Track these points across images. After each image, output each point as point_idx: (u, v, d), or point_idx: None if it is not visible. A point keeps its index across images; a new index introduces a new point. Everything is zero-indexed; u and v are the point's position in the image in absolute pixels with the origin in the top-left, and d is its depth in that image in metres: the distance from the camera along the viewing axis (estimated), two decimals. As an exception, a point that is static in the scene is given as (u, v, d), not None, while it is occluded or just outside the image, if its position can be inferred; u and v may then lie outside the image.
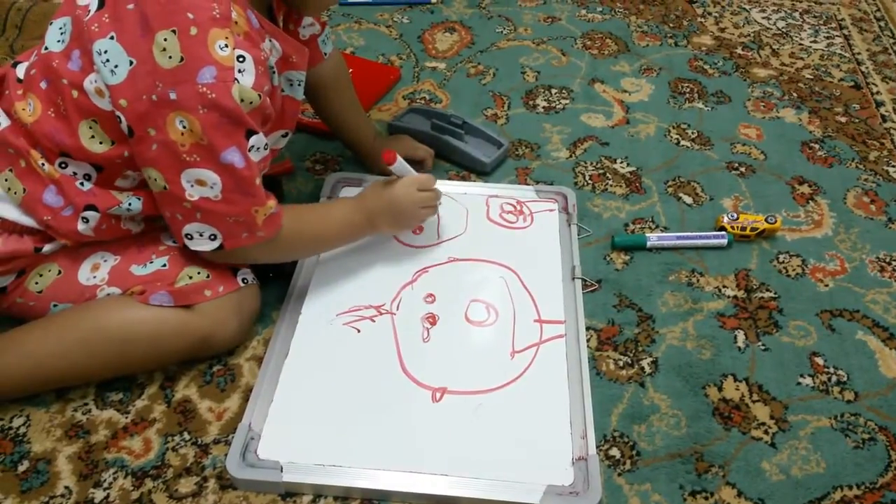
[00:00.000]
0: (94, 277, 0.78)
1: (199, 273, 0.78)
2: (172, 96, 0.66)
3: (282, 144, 0.85)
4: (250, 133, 0.70)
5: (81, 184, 0.74)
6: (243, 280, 0.81)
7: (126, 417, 0.78)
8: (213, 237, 0.75)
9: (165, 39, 0.66)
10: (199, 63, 0.66)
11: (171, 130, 0.68)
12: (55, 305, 0.78)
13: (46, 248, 0.75)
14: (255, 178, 0.72)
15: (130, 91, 0.68)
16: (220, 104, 0.67)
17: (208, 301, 0.77)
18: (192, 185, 0.71)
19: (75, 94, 0.70)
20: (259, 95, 0.69)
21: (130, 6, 0.67)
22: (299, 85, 0.84)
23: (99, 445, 0.75)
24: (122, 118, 0.69)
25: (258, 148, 0.72)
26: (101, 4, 0.69)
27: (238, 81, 0.67)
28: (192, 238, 0.75)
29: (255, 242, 0.76)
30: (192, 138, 0.68)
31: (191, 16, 0.66)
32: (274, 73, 0.76)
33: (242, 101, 0.68)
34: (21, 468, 0.73)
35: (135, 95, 0.68)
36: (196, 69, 0.66)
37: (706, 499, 0.73)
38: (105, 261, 0.78)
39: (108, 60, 0.68)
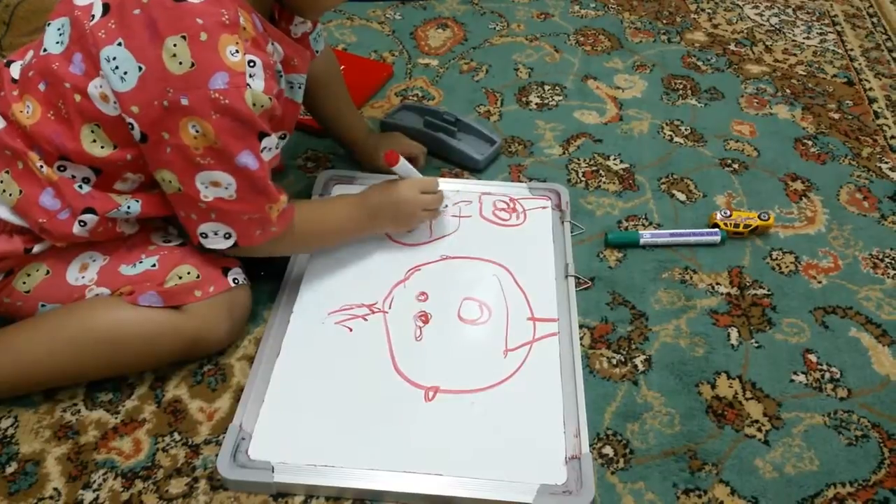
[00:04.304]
0: (83, 277, 0.77)
1: (188, 273, 0.77)
2: (184, 102, 0.66)
3: (280, 146, 0.84)
4: (262, 135, 0.71)
5: (80, 186, 0.73)
6: (234, 280, 0.80)
7: (116, 418, 0.77)
8: (227, 235, 0.76)
9: (175, 45, 0.65)
10: (211, 69, 0.66)
11: (185, 135, 0.68)
12: (43, 306, 0.77)
13: (36, 248, 0.75)
14: (267, 176, 0.73)
15: (141, 97, 0.67)
16: (234, 109, 0.67)
17: (198, 301, 0.77)
18: (206, 187, 0.71)
19: (78, 98, 0.70)
20: (270, 99, 0.70)
21: (137, 11, 0.67)
22: (299, 88, 0.84)
23: (88, 446, 0.75)
24: (135, 125, 0.69)
25: (269, 148, 0.73)
26: (106, 10, 0.69)
27: (250, 86, 0.67)
28: (206, 237, 0.76)
29: (269, 238, 0.77)
30: (206, 142, 0.68)
31: (199, 21, 0.65)
32: (281, 76, 0.76)
33: (255, 105, 0.68)
34: (9, 470, 0.73)
35: (146, 102, 0.67)
36: (208, 75, 0.66)
37: (700, 497, 0.73)
38: (94, 261, 0.78)
39: (117, 67, 0.67)
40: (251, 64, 0.68)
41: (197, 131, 0.67)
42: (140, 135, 0.69)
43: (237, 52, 0.67)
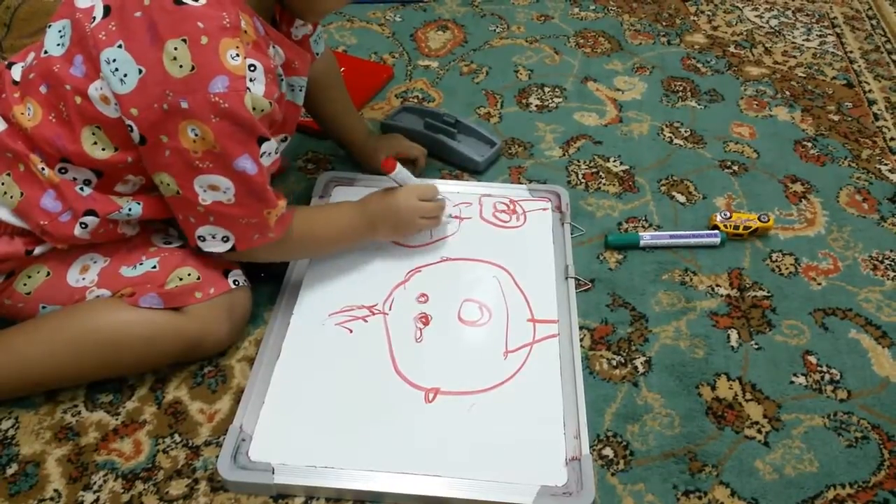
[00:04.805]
0: (84, 279, 0.77)
1: (189, 275, 0.77)
2: (184, 105, 0.66)
3: (280, 149, 0.84)
4: (262, 140, 0.71)
5: (81, 189, 0.73)
6: (234, 282, 0.80)
7: (116, 419, 0.77)
8: (225, 239, 0.76)
9: (175, 48, 0.65)
10: (211, 72, 0.65)
11: (183, 138, 0.68)
12: (44, 307, 0.77)
13: (37, 250, 0.75)
14: (266, 182, 0.73)
15: (141, 100, 0.67)
16: (233, 113, 0.67)
17: (199, 303, 0.77)
18: (204, 190, 0.71)
19: (79, 100, 0.70)
20: (270, 103, 0.70)
21: (138, 14, 0.67)
22: (300, 90, 0.84)
23: (89, 447, 0.75)
24: (134, 127, 0.69)
25: (269, 153, 0.73)
26: (107, 12, 0.69)
27: (250, 90, 0.67)
28: (204, 240, 0.76)
29: (267, 243, 0.77)
30: (205, 146, 0.68)
31: (201, 25, 0.65)
32: (282, 80, 0.76)
33: (254, 109, 0.68)
34: (10, 471, 0.73)
35: (145, 104, 0.67)
36: (208, 78, 0.65)
37: (700, 498, 0.73)
38: (94, 262, 0.78)
39: (117, 69, 0.67)
40: (252, 68, 0.68)
41: (196, 135, 0.67)
42: (139, 137, 0.69)
43: (238, 55, 0.67)
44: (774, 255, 1.00)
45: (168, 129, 0.68)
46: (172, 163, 0.70)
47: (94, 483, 0.72)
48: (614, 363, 0.85)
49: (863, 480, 0.75)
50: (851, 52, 1.43)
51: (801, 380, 0.85)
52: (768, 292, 0.94)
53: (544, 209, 1.01)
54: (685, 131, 1.20)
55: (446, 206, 0.94)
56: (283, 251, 0.84)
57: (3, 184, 0.72)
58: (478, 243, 0.96)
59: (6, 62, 0.77)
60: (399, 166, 0.87)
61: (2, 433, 0.76)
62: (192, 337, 0.77)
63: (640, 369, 0.85)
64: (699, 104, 1.26)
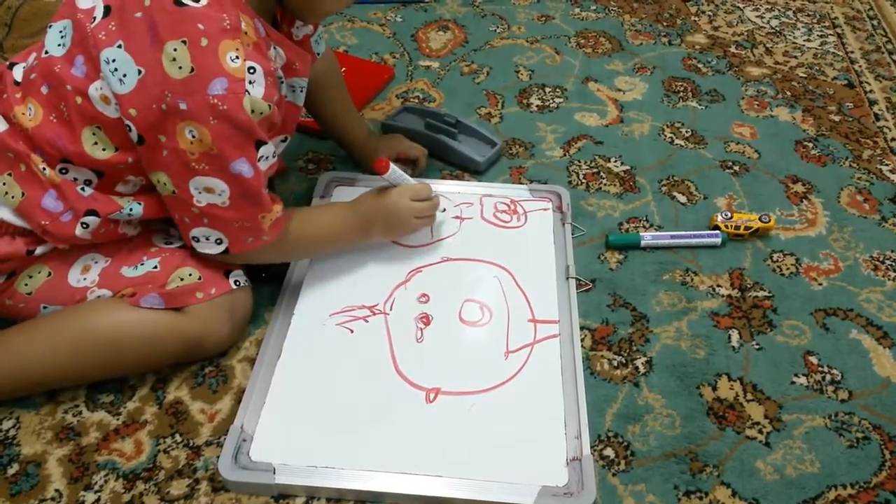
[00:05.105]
0: (85, 279, 0.77)
1: (190, 275, 0.77)
2: (182, 106, 0.66)
3: (280, 149, 0.84)
4: (260, 143, 0.70)
5: (82, 189, 0.74)
6: (235, 282, 0.80)
7: (117, 419, 0.77)
8: (219, 241, 0.76)
9: (175, 49, 0.65)
10: (211, 74, 0.65)
11: (181, 139, 0.68)
12: (45, 307, 0.77)
13: (38, 250, 0.75)
14: (262, 186, 0.73)
15: (140, 100, 0.67)
16: (232, 116, 0.67)
17: (200, 303, 0.77)
18: (199, 192, 0.71)
19: (79, 100, 0.70)
20: (269, 106, 0.69)
21: (138, 14, 0.67)
22: (301, 91, 0.84)
23: (90, 447, 0.75)
24: (133, 127, 0.69)
25: (267, 157, 0.73)
26: (108, 12, 0.69)
27: (249, 93, 0.67)
28: (198, 241, 0.76)
29: (261, 246, 0.77)
30: (202, 147, 0.68)
31: (201, 26, 0.65)
32: (282, 82, 0.76)
33: (253, 112, 0.68)
34: (11, 471, 0.73)
35: (144, 105, 0.67)
36: (207, 80, 0.65)
37: (700, 499, 0.73)
38: (95, 262, 0.78)
39: (116, 69, 0.67)
40: (251, 70, 0.67)
41: (193, 136, 0.67)
42: (137, 137, 0.69)
43: (237, 58, 0.66)
44: (775, 256, 0.99)
45: (166, 130, 0.68)
46: (170, 163, 0.70)
47: (95, 483, 0.72)
48: (615, 363, 0.85)
49: (864, 481, 0.75)
50: (852, 52, 1.43)
51: (802, 380, 0.85)
52: (769, 292, 0.94)
53: (545, 209, 1.01)
54: (686, 131, 1.20)
55: (440, 203, 0.93)
56: (278, 254, 0.84)
57: (4, 184, 0.72)
58: (478, 243, 0.96)
59: (7, 62, 0.77)
60: (393, 167, 0.87)
61: (3, 433, 0.76)
62: (193, 337, 0.77)
63: (641, 369, 0.85)
64: (700, 104, 1.26)
